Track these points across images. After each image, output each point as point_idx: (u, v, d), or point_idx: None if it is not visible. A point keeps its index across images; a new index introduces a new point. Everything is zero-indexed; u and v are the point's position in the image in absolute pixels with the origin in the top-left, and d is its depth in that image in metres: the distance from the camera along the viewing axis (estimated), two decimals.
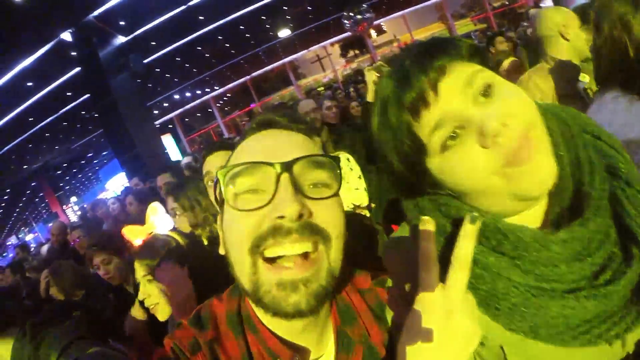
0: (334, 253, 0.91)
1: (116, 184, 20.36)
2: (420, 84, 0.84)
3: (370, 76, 3.83)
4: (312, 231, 0.87)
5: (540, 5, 21.95)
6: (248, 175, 0.91)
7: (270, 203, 0.86)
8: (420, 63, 0.86)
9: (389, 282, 1.07)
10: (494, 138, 0.79)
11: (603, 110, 1.73)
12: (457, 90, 0.84)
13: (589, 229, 0.82)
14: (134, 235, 3.26)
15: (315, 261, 0.87)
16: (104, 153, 28.12)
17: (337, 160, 0.97)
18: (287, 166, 0.88)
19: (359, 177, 3.76)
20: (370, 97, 3.84)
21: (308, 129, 1.05)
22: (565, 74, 2.83)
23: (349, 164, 3.77)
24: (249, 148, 0.99)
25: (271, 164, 0.88)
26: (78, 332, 1.99)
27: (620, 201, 0.86)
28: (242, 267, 0.89)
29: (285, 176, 0.87)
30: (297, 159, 0.90)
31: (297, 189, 0.88)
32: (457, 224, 0.84)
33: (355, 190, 3.70)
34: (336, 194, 0.94)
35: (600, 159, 0.90)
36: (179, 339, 0.99)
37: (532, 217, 0.89)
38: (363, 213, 3.80)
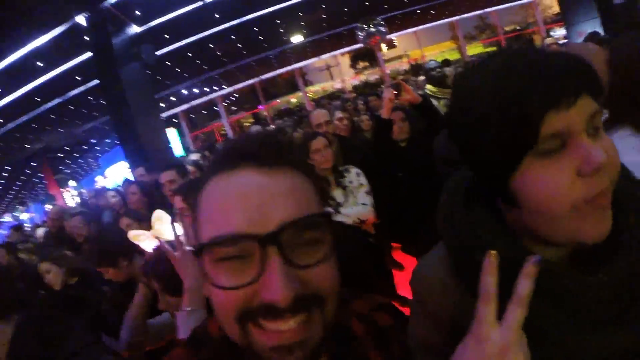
0: (329, 309, 0.81)
1: (116, 173, 20.19)
2: (568, 86, 0.80)
3: (388, 93, 3.84)
4: (307, 303, 0.76)
5: (551, 34, 22.25)
6: (226, 246, 0.75)
7: (258, 281, 0.73)
8: (571, 69, 0.82)
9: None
10: (595, 170, 0.79)
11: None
12: (585, 115, 0.81)
13: (623, 270, 0.84)
14: (140, 240, 3.13)
15: (311, 323, 0.77)
16: (107, 141, 28.02)
17: (327, 213, 0.84)
18: (274, 237, 0.73)
19: (367, 193, 3.78)
20: (385, 114, 3.85)
21: (296, 162, 0.85)
22: None
23: (358, 179, 3.79)
24: (224, 201, 0.79)
25: (255, 237, 0.73)
26: (91, 339, 1.94)
27: None
28: (230, 330, 0.80)
29: (272, 250, 0.73)
30: (286, 227, 0.74)
31: (288, 261, 0.74)
32: (512, 262, 0.81)
33: (362, 205, 3.72)
34: (329, 251, 0.80)
35: (637, 205, 0.92)
36: (175, 358, 0.96)
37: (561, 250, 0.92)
38: (368, 230, 3.82)
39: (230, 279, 0.75)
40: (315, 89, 29.94)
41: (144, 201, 5.33)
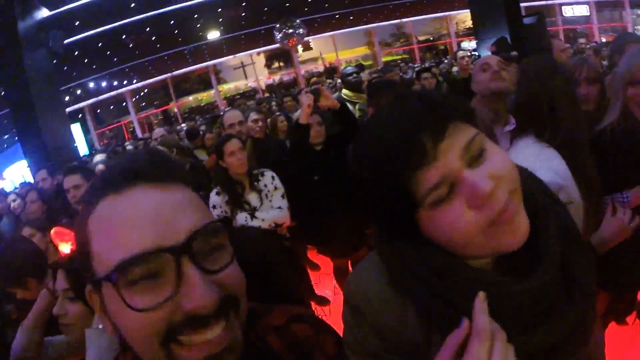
0: (242, 309, 0.83)
1: (15, 173, 18.49)
2: (423, 143, 0.86)
3: (307, 99, 3.85)
4: (226, 306, 0.77)
5: (462, 46, 23.30)
6: (139, 265, 0.72)
7: (177, 294, 0.72)
8: (424, 120, 0.88)
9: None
10: (484, 201, 0.83)
11: (517, 155, 2.04)
12: (457, 152, 0.86)
13: (544, 279, 0.90)
14: (63, 239, 2.80)
15: (232, 326, 0.79)
16: (5, 137, 26.04)
17: (227, 220, 0.86)
18: (186, 247, 0.73)
19: (282, 197, 3.79)
20: (303, 120, 3.86)
21: (185, 178, 0.86)
22: (487, 106, 3.08)
23: (273, 183, 3.78)
24: (124, 221, 0.75)
25: (168, 250, 0.72)
26: None
27: (566, 255, 0.96)
28: (153, 358, 0.76)
29: (186, 260, 0.73)
30: (194, 235, 0.75)
31: (202, 268, 0.74)
32: (453, 273, 0.91)
33: (278, 209, 3.71)
34: (232, 254, 0.83)
35: (555, 218, 0.99)
36: None
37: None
38: (284, 233, 3.82)
39: (147, 300, 0.71)
40: (228, 87, 29.56)
41: (44, 209, 5.00)
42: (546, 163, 1.92)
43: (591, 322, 0.99)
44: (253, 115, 5.28)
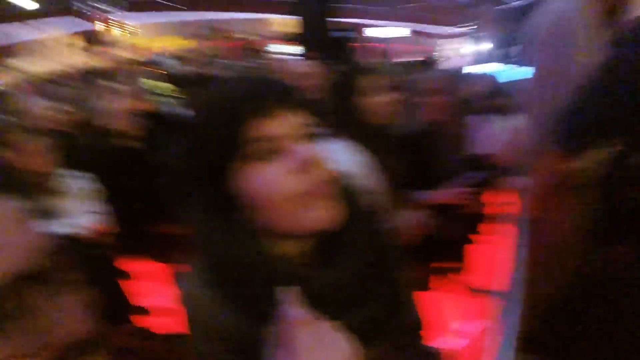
0: None
1: None
2: (271, 100, 0.94)
3: (119, 103, 3.61)
4: None
5: (272, 48, 24.22)
6: None
7: None
8: (277, 87, 0.98)
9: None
10: (302, 166, 0.92)
11: (331, 152, 2.31)
12: (291, 125, 0.95)
13: (348, 263, 1.01)
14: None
15: None
16: None
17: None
18: None
19: (95, 200, 3.49)
20: (118, 125, 3.58)
21: None
22: None
23: (83, 184, 3.48)
24: None
25: None
26: None
27: (372, 239, 1.08)
28: None
29: None
30: None
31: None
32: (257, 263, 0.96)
33: (89, 213, 3.41)
34: None
35: (357, 206, 1.09)
36: None
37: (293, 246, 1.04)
38: (101, 241, 3.48)
39: None
40: (29, 69, 27.18)
41: None
42: (339, 157, 2.11)
43: (408, 295, 1.16)
44: (59, 105, 4.78)
